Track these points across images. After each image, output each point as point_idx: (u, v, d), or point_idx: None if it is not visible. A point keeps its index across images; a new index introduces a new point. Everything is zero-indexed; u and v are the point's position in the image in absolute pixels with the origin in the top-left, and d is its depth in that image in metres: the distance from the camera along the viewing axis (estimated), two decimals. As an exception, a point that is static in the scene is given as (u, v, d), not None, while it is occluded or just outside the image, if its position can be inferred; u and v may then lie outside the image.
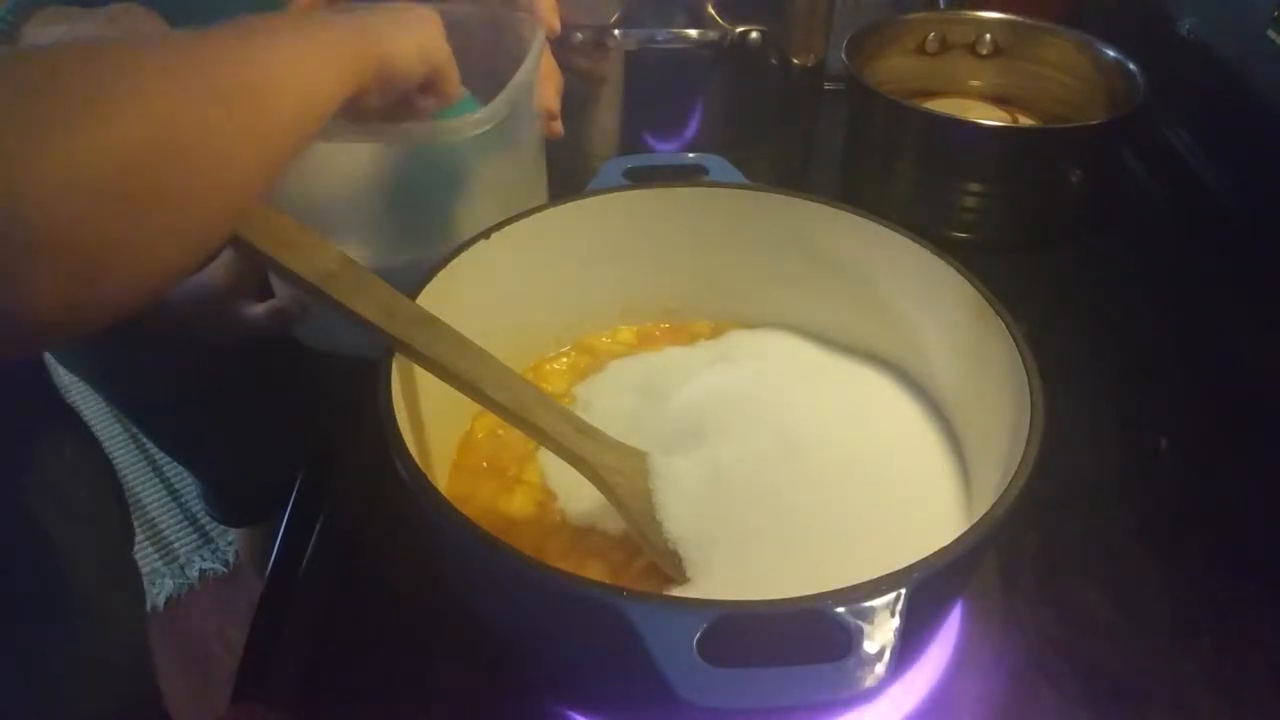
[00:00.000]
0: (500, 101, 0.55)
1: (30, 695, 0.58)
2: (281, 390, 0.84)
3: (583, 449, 0.48)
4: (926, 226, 0.57)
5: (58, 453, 0.63)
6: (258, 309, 0.61)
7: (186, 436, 0.96)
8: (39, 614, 0.60)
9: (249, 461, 0.96)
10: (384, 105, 0.48)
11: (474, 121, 0.54)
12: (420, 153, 0.58)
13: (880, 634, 0.35)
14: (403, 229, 0.61)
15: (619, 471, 0.48)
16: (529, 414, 0.47)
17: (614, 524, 0.52)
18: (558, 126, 0.67)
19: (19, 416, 0.61)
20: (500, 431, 0.58)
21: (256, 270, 0.60)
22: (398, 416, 0.45)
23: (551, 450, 0.48)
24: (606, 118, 0.82)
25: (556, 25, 0.64)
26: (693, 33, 0.75)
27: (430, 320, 0.47)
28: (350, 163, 0.59)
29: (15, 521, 0.57)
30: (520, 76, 0.57)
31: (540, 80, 0.63)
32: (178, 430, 0.95)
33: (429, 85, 0.50)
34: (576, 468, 0.48)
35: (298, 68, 0.40)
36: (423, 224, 0.60)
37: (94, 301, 0.33)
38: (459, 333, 0.47)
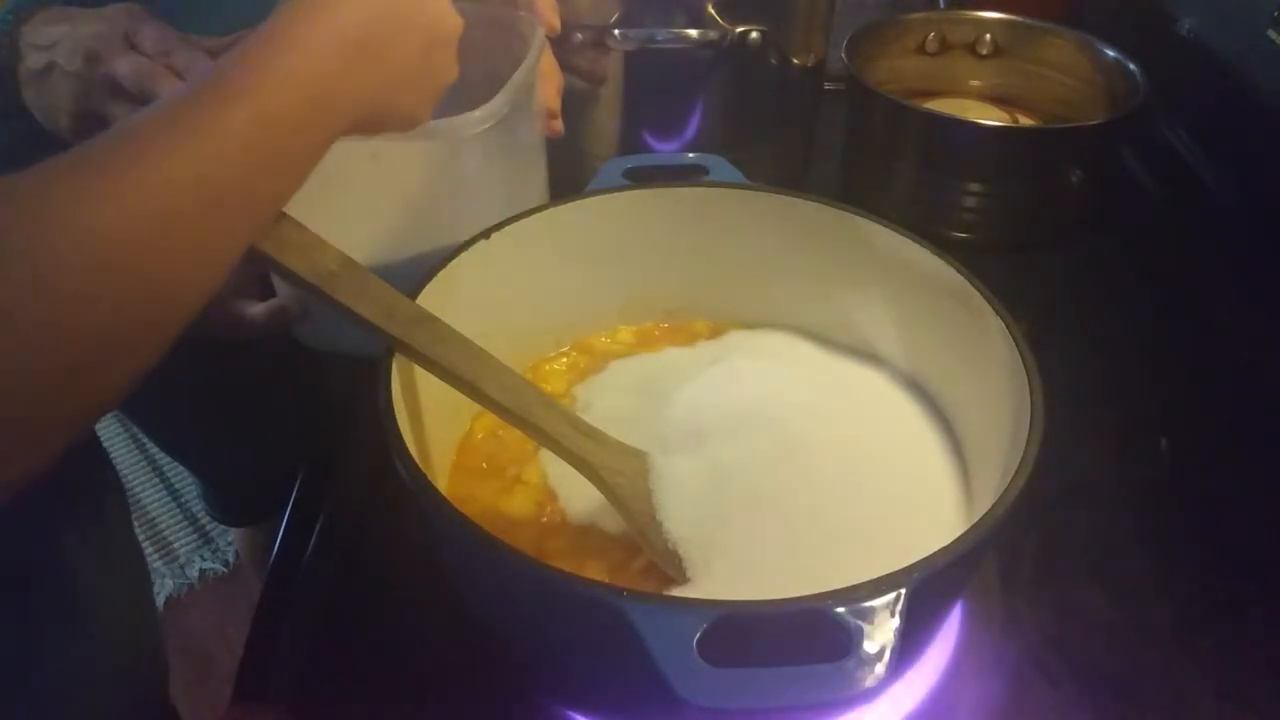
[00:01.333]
0: (500, 100, 0.55)
1: (33, 696, 0.58)
2: (281, 390, 0.84)
3: (583, 449, 0.47)
4: (926, 226, 0.57)
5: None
6: (258, 309, 0.61)
7: (186, 436, 0.96)
8: (42, 615, 0.60)
9: (249, 461, 0.96)
10: None
11: (474, 120, 0.54)
12: (419, 152, 0.58)
13: (880, 634, 0.35)
14: (403, 229, 0.61)
15: (619, 471, 0.48)
16: (529, 414, 0.47)
17: (614, 524, 0.52)
18: (558, 125, 0.67)
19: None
20: (500, 431, 0.58)
21: (257, 270, 0.60)
22: (398, 416, 0.45)
23: (552, 450, 0.48)
24: (606, 118, 0.82)
25: (556, 24, 0.64)
26: (693, 33, 0.75)
27: (430, 320, 0.47)
28: (349, 162, 0.59)
29: (18, 524, 0.57)
30: (520, 75, 0.57)
31: (540, 79, 0.63)
32: (178, 430, 0.95)
33: None
34: (577, 468, 0.48)
35: (288, 173, 0.39)
36: (423, 224, 0.60)
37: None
38: (459, 333, 0.47)
